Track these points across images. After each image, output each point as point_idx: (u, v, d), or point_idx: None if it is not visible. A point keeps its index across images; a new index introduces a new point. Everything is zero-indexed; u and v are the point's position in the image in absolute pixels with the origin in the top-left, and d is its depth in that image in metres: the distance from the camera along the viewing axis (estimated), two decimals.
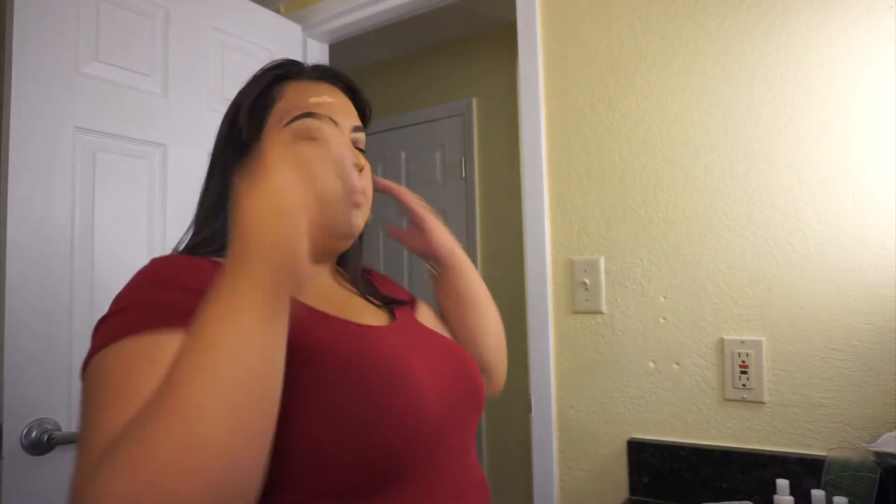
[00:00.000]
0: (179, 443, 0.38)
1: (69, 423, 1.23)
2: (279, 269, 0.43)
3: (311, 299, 0.66)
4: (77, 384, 1.24)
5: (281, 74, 0.73)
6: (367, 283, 0.81)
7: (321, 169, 0.66)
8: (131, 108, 1.39)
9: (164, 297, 0.54)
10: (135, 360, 0.49)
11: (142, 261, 1.54)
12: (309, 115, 0.68)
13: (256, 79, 0.73)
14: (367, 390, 0.54)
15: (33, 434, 1.16)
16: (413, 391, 0.57)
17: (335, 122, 0.70)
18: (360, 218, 0.71)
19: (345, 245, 0.74)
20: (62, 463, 1.20)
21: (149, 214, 1.42)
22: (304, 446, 0.51)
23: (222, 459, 0.38)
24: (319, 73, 0.75)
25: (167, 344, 0.49)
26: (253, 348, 0.41)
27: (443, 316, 0.89)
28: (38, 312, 1.20)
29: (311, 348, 0.55)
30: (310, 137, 0.67)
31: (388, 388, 0.55)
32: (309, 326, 0.58)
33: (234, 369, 0.40)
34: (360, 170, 0.70)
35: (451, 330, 0.88)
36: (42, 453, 1.17)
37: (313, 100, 0.69)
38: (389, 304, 0.78)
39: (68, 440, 1.20)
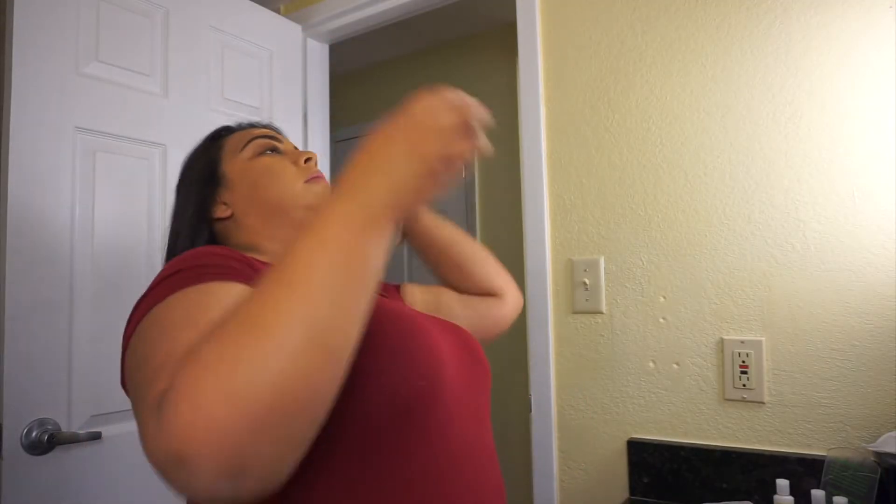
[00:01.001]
0: (299, 317, 0.38)
1: (69, 423, 1.23)
2: (402, 188, 0.44)
3: None
4: (77, 384, 1.24)
5: (217, 136, 0.84)
6: None
7: (286, 167, 0.78)
8: (131, 108, 1.39)
9: (219, 261, 0.56)
10: (203, 297, 0.49)
11: (141, 260, 1.54)
12: (260, 137, 0.80)
13: (200, 146, 0.84)
14: (397, 339, 0.59)
15: (33, 434, 1.17)
16: (432, 345, 0.62)
17: (281, 140, 0.83)
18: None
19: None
20: (62, 463, 1.20)
21: (149, 214, 1.42)
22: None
23: (329, 339, 0.39)
24: (249, 124, 0.86)
25: (234, 290, 0.49)
26: (360, 247, 0.42)
27: (435, 269, 0.91)
28: (38, 312, 1.20)
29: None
30: (264, 153, 0.79)
31: (411, 342, 0.60)
32: None
33: (345, 260, 0.41)
34: (307, 160, 0.79)
35: (448, 276, 0.90)
36: (42, 453, 1.18)
37: (257, 131, 0.82)
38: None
39: (68, 440, 1.20)
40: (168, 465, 0.35)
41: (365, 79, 3.04)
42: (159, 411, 0.36)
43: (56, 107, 1.25)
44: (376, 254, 0.43)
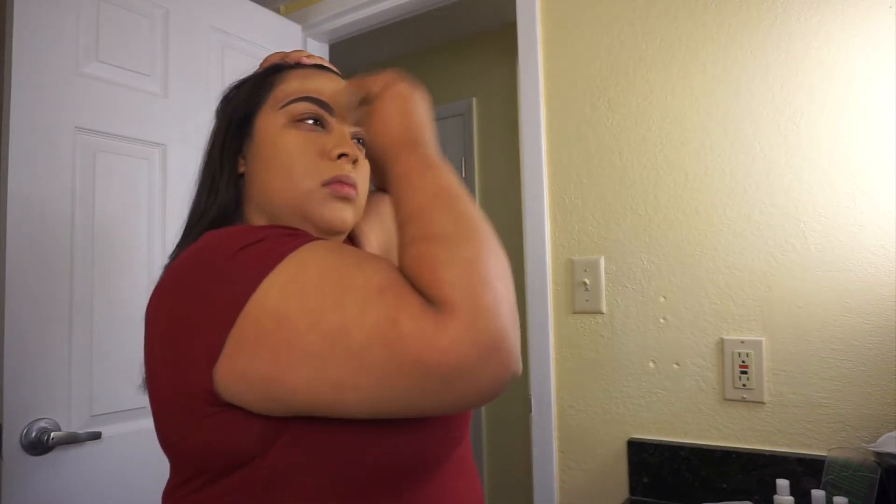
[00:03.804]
0: (492, 245, 0.47)
1: (69, 422, 1.23)
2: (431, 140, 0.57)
3: None
4: (77, 384, 1.24)
5: (280, 65, 0.72)
6: None
7: (306, 156, 0.65)
8: (131, 108, 1.39)
9: (282, 230, 0.55)
10: (342, 250, 0.52)
11: (142, 260, 1.54)
12: (306, 99, 0.66)
13: (259, 71, 0.73)
14: None
15: (33, 434, 1.17)
16: None
17: (334, 110, 0.67)
18: (348, 212, 0.66)
19: (335, 240, 0.69)
20: (62, 463, 1.21)
21: (148, 214, 1.42)
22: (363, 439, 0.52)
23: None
24: (318, 64, 0.74)
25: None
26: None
27: (375, 175, 0.76)
28: (39, 312, 1.20)
29: None
30: (302, 121, 0.66)
31: None
32: None
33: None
34: (355, 162, 0.66)
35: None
36: (42, 453, 1.18)
37: (311, 86, 0.68)
38: None
39: (68, 440, 1.20)
40: (482, 357, 0.41)
41: None
42: (467, 315, 0.41)
43: (56, 107, 1.25)
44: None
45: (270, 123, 0.66)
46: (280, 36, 1.79)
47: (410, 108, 0.59)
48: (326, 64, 0.76)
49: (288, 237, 0.52)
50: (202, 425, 0.51)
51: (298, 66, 0.72)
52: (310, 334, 0.45)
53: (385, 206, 0.84)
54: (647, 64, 1.34)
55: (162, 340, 0.53)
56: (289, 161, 0.64)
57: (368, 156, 0.68)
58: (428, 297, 0.43)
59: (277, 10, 1.92)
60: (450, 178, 0.51)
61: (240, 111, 0.69)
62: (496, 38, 2.62)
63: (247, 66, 1.77)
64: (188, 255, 0.54)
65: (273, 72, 0.71)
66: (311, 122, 0.66)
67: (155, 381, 0.55)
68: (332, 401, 0.45)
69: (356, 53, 2.76)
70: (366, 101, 0.64)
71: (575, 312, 1.41)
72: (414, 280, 0.45)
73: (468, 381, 0.41)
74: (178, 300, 0.52)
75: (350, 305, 0.44)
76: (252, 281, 0.48)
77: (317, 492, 0.51)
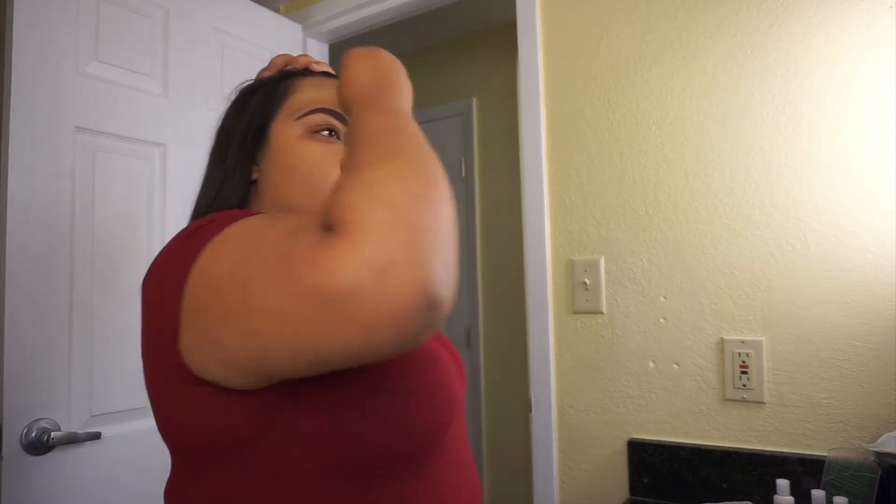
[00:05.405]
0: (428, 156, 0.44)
1: (69, 422, 1.23)
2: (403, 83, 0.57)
3: None
4: (77, 384, 1.24)
5: (290, 71, 0.74)
6: None
7: (326, 168, 0.66)
8: (131, 108, 1.39)
9: (238, 212, 0.55)
10: (284, 215, 0.50)
11: (141, 260, 1.53)
12: (322, 110, 0.68)
13: (270, 77, 0.74)
14: (421, 373, 0.58)
15: (33, 434, 1.17)
16: (447, 373, 0.62)
17: (348, 120, 0.69)
18: None
19: None
20: (62, 463, 1.21)
21: (148, 214, 1.42)
22: (362, 420, 0.53)
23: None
24: (326, 72, 0.76)
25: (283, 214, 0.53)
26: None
27: None
28: (39, 312, 1.20)
29: None
30: (321, 132, 0.68)
31: (433, 373, 0.60)
32: None
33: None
34: None
35: None
36: (42, 453, 1.18)
37: (326, 96, 0.69)
38: None
39: (68, 440, 1.20)
40: (373, 276, 0.36)
41: None
42: (355, 233, 0.37)
43: (56, 107, 1.25)
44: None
45: (287, 134, 0.68)
46: (280, 36, 1.79)
47: (354, 70, 0.57)
48: (332, 71, 0.77)
49: (237, 216, 0.52)
50: (187, 405, 0.52)
51: (308, 72, 0.73)
52: (228, 292, 0.45)
53: None
54: (647, 64, 1.34)
55: (146, 329, 0.55)
56: (309, 172, 0.66)
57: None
58: (327, 225, 0.40)
59: (277, 10, 1.92)
60: (392, 119, 0.49)
61: (256, 120, 0.70)
62: (496, 38, 2.62)
63: (247, 65, 1.78)
64: (162, 249, 0.57)
65: (284, 78, 0.72)
66: (326, 133, 0.68)
67: (146, 370, 0.56)
68: (261, 354, 0.44)
69: None
70: None
71: (575, 312, 1.41)
72: (323, 214, 0.42)
73: (363, 305, 0.37)
74: (151, 289, 0.55)
75: (256, 257, 0.43)
76: (195, 256, 0.49)
77: (310, 482, 0.52)
